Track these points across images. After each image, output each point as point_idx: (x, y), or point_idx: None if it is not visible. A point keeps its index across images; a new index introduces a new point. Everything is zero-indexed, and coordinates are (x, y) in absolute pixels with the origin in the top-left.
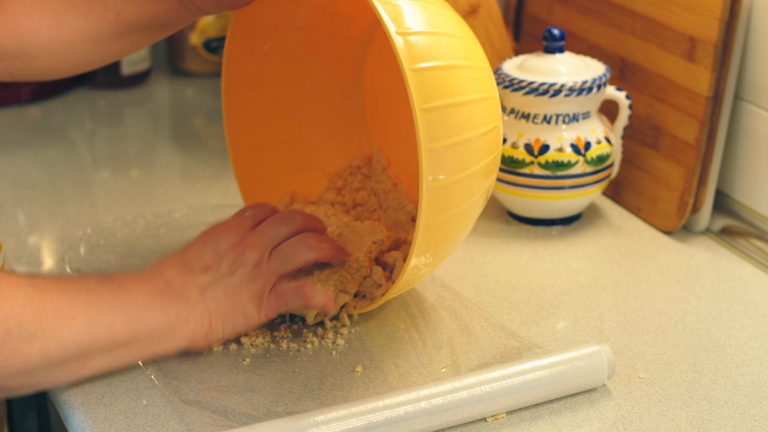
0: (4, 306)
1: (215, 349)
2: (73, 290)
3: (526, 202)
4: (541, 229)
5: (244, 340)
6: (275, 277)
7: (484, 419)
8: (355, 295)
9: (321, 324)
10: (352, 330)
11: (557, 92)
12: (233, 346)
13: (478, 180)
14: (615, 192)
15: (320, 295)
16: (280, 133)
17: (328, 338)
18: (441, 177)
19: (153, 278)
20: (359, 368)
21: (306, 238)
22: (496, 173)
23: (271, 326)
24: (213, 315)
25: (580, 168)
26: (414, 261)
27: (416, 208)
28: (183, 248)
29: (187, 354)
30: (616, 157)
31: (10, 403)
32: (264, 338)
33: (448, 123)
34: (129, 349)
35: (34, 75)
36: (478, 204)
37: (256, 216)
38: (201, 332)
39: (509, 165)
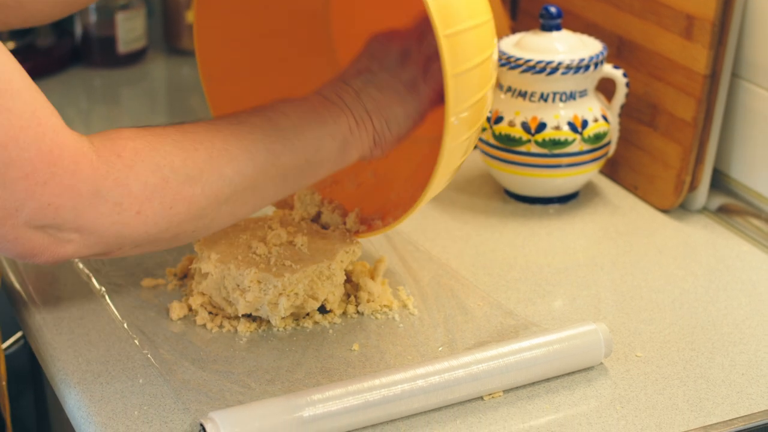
0: (153, 155)
1: (213, 330)
2: (224, 126)
3: (522, 180)
4: (538, 207)
5: (240, 329)
6: (426, 61)
7: (481, 398)
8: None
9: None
10: (349, 308)
11: (554, 70)
12: (230, 326)
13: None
14: (612, 170)
15: None
16: (252, 61)
17: (325, 317)
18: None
19: (307, 98)
20: (356, 347)
21: None
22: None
23: None
24: (372, 114)
25: (577, 146)
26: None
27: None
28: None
29: (185, 333)
30: (613, 136)
31: (7, 381)
32: (259, 324)
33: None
34: (300, 171)
35: (27, 21)
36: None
37: None
38: (368, 139)
39: (506, 143)
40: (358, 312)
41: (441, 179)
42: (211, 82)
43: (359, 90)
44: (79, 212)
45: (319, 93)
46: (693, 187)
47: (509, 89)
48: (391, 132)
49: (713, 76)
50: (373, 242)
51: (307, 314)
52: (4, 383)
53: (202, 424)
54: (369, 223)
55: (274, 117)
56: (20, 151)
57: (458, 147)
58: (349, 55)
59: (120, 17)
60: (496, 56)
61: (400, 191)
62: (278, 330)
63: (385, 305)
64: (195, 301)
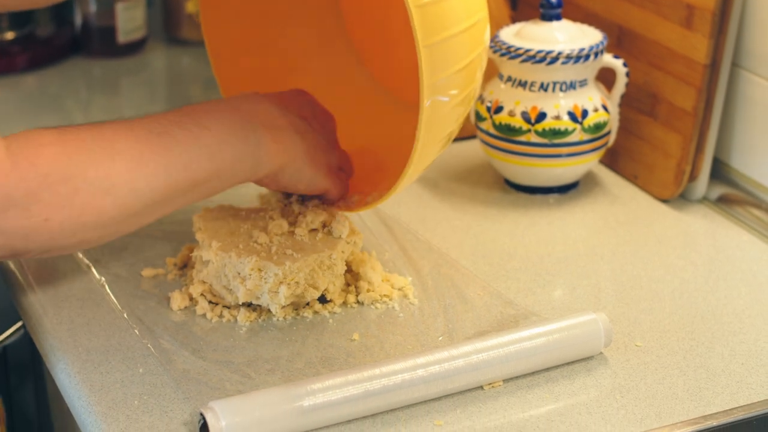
0: (68, 165)
1: (213, 320)
2: (145, 136)
3: (523, 170)
4: (538, 197)
5: (240, 319)
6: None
7: (481, 387)
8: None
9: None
10: (349, 298)
11: (554, 60)
12: (230, 316)
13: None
14: (612, 160)
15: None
16: (259, 38)
17: (325, 306)
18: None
19: (241, 106)
20: (356, 336)
21: None
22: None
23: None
24: (295, 157)
25: (577, 136)
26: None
27: None
28: (276, 93)
29: (185, 323)
30: (613, 125)
31: (6, 372)
32: (259, 314)
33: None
34: (209, 184)
35: (24, 2)
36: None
37: None
38: (276, 167)
39: (506, 133)
40: (358, 302)
41: (424, 151)
42: (219, 59)
43: (300, 132)
44: None
45: (258, 104)
46: (693, 176)
47: (509, 79)
48: (287, 181)
49: (713, 66)
50: (374, 232)
51: (307, 304)
52: None
53: (202, 414)
54: (347, 201)
55: (197, 132)
56: None
57: (445, 116)
58: (358, 28)
59: (120, 7)
60: (483, 25)
61: (392, 161)
62: (278, 320)
63: (385, 295)
64: (195, 290)
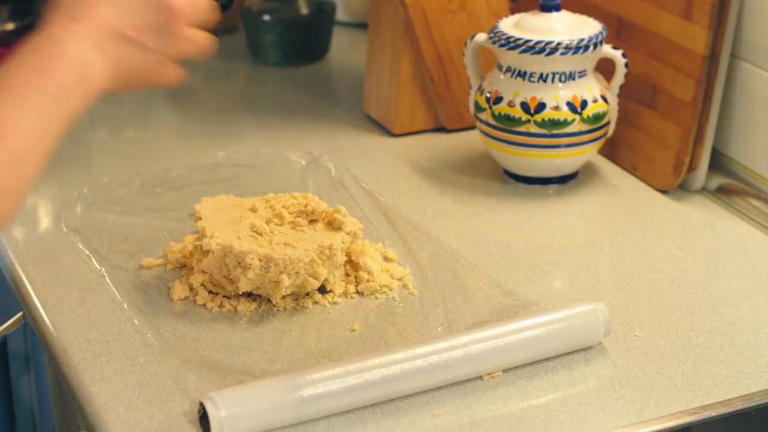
0: None
1: (213, 310)
2: None
3: (522, 160)
4: (537, 187)
5: (240, 309)
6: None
7: (481, 377)
8: None
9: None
10: (349, 288)
11: (553, 50)
12: (230, 306)
13: None
14: (611, 151)
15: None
16: None
17: (325, 297)
18: None
19: (53, 38)
20: (356, 327)
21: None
22: None
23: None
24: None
25: (577, 126)
26: None
27: None
28: None
29: (185, 313)
30: (612, 116)
31: (6, 362)
32: (259, 304)
33: None
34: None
35: None
36: None
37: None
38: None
39: (505, 123)
40: (357, 292)
41: None
42: None
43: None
44: None
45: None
46: (692, 167)
47: (508, 69)
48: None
49: (712, 57)
50: (374, 222)
51: (307, 294)
52: None
53: (202, 404)
54: None
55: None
56: None
57: None
58: None
59: None
60: None
61: None
62: (278, 310)
63: (384, 285)
64: (196, 280)
